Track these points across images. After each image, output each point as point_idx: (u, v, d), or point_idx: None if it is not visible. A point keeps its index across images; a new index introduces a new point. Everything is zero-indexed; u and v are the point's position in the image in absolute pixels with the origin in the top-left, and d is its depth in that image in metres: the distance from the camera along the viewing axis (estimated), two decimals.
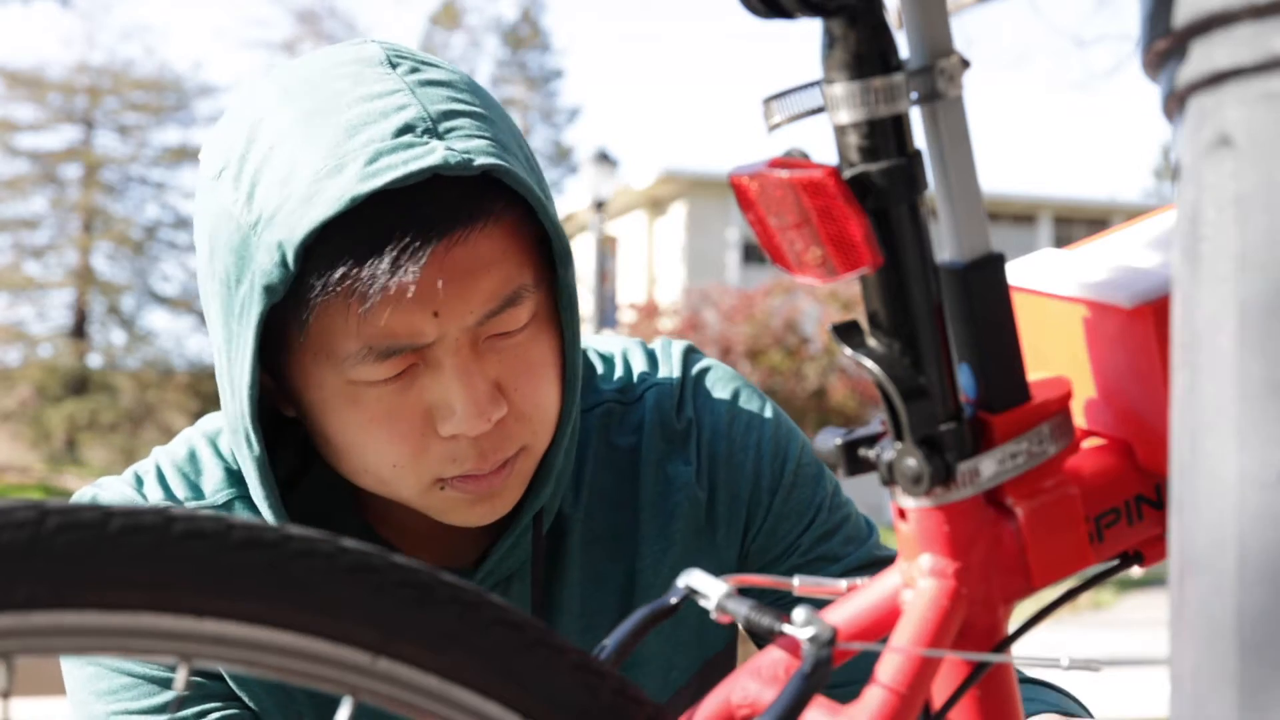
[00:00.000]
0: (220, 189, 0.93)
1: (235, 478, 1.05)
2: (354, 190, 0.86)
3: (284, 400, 0.98)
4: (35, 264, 27.58)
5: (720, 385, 1.13)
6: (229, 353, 0.93)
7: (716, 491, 1.09)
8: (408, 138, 0.89)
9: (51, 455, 25.80)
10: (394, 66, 0.94)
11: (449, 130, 0.90)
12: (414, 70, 0.94)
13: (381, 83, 0.92)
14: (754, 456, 1.10)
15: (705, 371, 1.13)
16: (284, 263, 0.88)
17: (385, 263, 0.87)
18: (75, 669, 1.02)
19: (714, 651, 1.11)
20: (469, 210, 0.90)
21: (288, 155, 0.90)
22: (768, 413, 1.12)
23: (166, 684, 1.00)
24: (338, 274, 0.88)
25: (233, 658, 0.55)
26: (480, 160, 0.89)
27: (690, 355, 1.15)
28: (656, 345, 1.16)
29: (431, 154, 0.88)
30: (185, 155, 28.25)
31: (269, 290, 0.88)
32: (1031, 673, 1.08)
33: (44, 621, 0.51)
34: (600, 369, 1.14)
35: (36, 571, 0.50)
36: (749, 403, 1.12)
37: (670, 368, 1.13)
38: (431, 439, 0.93)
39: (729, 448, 1.09)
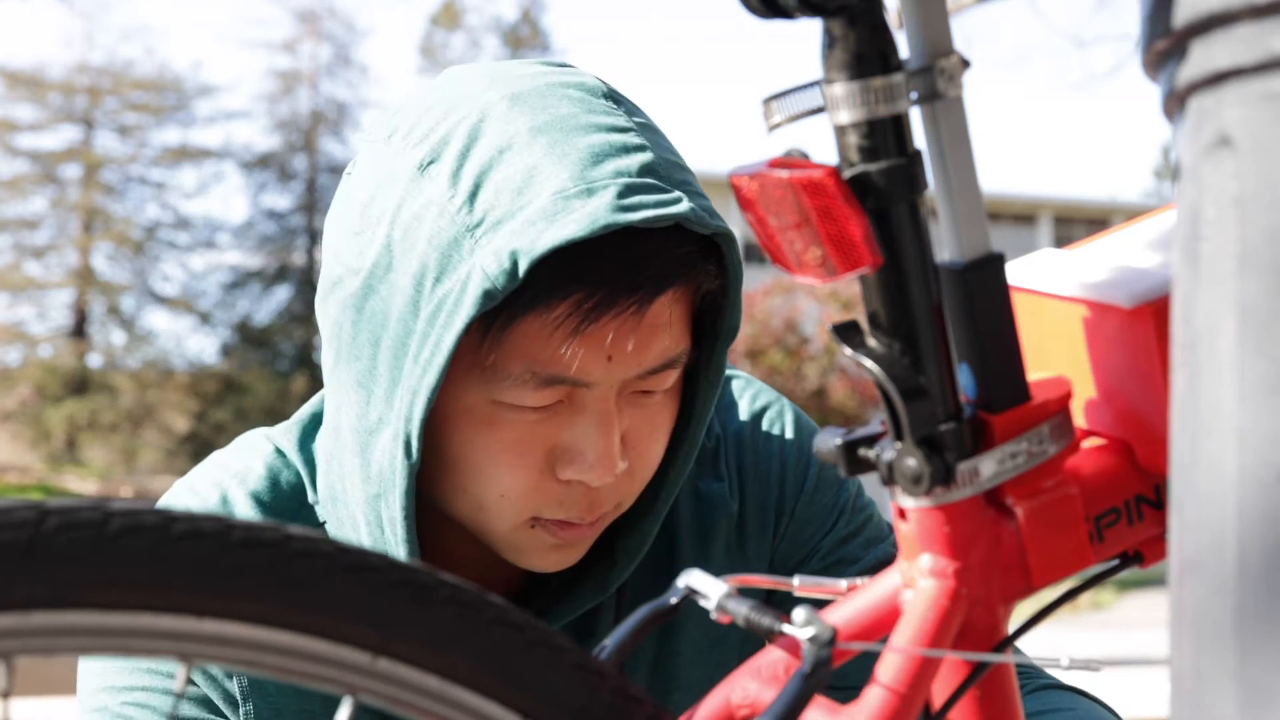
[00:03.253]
0: (429, 183, 0.88)
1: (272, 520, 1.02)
2: (608, 218, 0.84)
3: None
4: (35, 264, 27.60)
5: (742, 395, 1.12)
6: (402, 350, 0.89)
7: (746, 504, 1.08)
8: (652, 179, 0.87)
9: (51, 455, 25.81)
10: (618, 103, 0.93)
11: (681, 182, 0.90)
12: (633, 112, 0.93)
13: (612, 116, 0.90)
14: (778, 464, 1.09)
15: (728, 382, 1.13)
16: (514, 272, 0.84)
17: (616, 301, 0.86)
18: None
19: None
20: (698, 269, 0.89)
21: (524, 164, 0.87)
22: (789, 417, 1.11)
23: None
24: (566, 298, 0.86)
25: (233, 658, 0.55)
26: (714, 221, 0.89)
27: None
28: None
29: (679, 203, 0.87)
30: (185, 155, 28.27)
31: (488, 295, 0.84)
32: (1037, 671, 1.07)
33: (44, 621, 0.51)
34: None
35: (36, 571, 0.50)
36: (771, 410, 1.11)
37: None
38: (547, 478, 0.91)
39: (754, 458, 1.09)
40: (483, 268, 0.85)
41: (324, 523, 1.02)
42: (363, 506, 0.94)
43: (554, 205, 0.85)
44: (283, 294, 28.90)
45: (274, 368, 28.16)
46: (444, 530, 1.00)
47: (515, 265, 0.84)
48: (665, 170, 0.89)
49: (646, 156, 0.89)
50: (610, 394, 0.90)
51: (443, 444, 0.92)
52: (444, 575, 0.58)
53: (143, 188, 28.08)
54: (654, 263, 0.87)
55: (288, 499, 1.02)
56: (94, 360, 27.86)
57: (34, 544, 0.50)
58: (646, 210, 0.85)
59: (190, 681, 0.98)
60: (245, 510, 1.01)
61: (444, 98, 0.92)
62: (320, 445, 1.02)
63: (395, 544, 0.93)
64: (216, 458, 1.06)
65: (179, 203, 32.06)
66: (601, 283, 0.86)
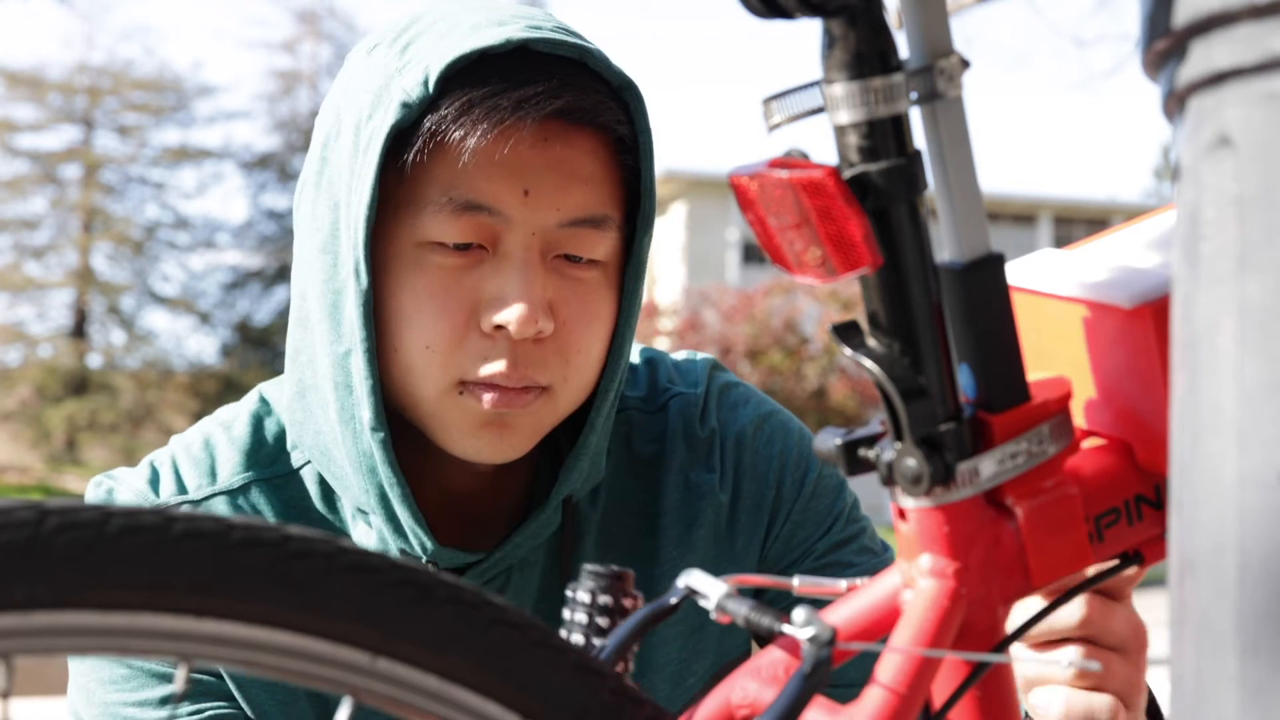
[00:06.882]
0: (372, 58, 0.99)
1: (252, 460, 1.05)
2: (513, 35, 0.94)
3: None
4: (35, 264, 27.57)
5: (744, 399, 1.15)
6: (348, 192, 0.95)
7: (740, 500, 1.10)
8: (563, 34, 0.97)
9: (51, 455, 25.79)
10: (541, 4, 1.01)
11: (595, 53, 0.98)
12: (553, 15, 1.03)
13: (534, 6, 1.00)
14: (777, 466, 1.11)
15: (729, 386, 1.15)
16: (425, 82, 0.93)
17: (514, 98, 0.92)
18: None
19: (731, 657, 1.11)
20: (602, 106, 0.96)
21: (449, 20, 0.98)
22: (791, 425, 1.14)
23: (167, 678, 1.00)
24: (472, 108, 0.92)
25: (232, 658, 0.55)
26: (620, 70, 0.97)
27: (715, 372, 1.17)
28: (681, 358, 1.18)
29: (585, 46, 0.96)
30: (185, 155, 28.24)
31: (405, 106, 0.93)
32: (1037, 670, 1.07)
33: (44, 621, 0.51)
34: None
35: (36, 571, 0.50)
36: (772, 416, 1.14)
37: (695, 380, 1.15)
38: (472, 332, 0.95)
39: (753, 458, 1.11)
40: (402, 87, 0.94)
41: (301, 467, 1.06)
42: (330, 373, 0.97)
43: (469, 33, 0.95)
44: (283, 294, 28.88)
45: (274, 368, 28.13)
46: (427, 466, 1.02)
47: (427, 77, 0.93)
48: (579, 38, 0.99)
49: (559, 22, 0.99)
50: (532, 243, 0.95)
51: (386, 296, 0.96)
52: (444, 575, 0.58)
53: (143, 188, 28.06)
54: (554, 78, 0.94)
55: (268, 443, 1.07)
56: (94, 360, 27.85)
57: (34, 544, 0.50)
58: (552, 36, 0.95)
59: None
60: (226, 451, 1.06)
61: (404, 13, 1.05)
62: (289, 342, 1.06)
63: (361, 396, 0.95)
64: (216, 411, 1.12)
65: (179, 203, 32.09)
66: (504, 92, 0.93)
